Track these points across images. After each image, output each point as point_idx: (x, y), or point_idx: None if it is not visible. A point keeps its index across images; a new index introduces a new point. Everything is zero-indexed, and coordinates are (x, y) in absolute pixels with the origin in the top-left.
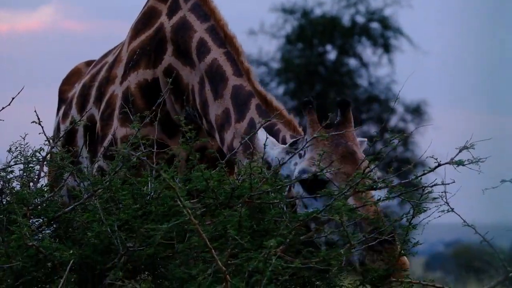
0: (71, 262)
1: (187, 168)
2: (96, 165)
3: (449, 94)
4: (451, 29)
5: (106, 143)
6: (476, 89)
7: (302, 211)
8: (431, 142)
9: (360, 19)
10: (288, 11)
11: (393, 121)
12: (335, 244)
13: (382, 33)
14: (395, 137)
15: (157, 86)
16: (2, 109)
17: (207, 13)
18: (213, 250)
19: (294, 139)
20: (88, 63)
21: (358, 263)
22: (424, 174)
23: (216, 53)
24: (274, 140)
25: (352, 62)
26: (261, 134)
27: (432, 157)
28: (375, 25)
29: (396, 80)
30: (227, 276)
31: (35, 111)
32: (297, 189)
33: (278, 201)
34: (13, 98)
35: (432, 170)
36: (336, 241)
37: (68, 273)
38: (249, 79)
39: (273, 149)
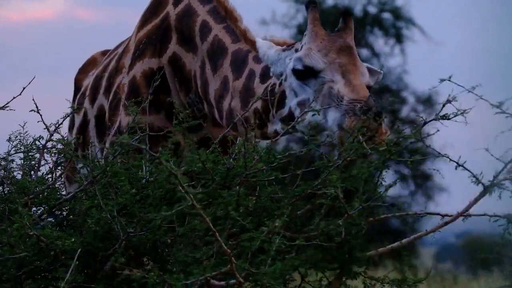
0: (79, 251)
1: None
2: (102, 153)
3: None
4: (464, 18)
5: (113, 132)
6: (491, 79)
7: (293, 99)
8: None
9: (372, 9)
10: (300, 1)
11: (405, 111)
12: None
13: (394, 23)
14: (411, 136)
15: (163, 75)
16: (13, 99)
17: None
18: (217, 234)
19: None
20: (104, 53)
21: (337, 128)
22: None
23: (216, 30)
24: (272, 43)
25: (364, 52)
26: (261, 41)
27: (418, 116)
28: (387, 15)
29: (408, 70)
30: (232, 258)
31: (33, 99)
32: (290, 81)
33: (273, 178)
34: (24, 88)
35: (421, 127)
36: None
37: (70, 260)
38: (246, 40)
39: (270, 49)
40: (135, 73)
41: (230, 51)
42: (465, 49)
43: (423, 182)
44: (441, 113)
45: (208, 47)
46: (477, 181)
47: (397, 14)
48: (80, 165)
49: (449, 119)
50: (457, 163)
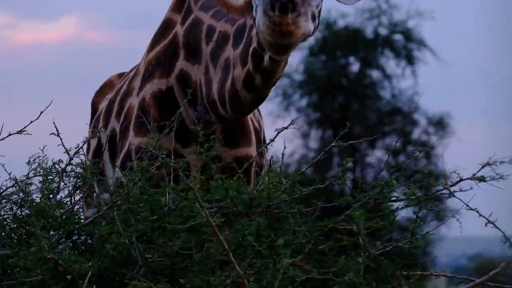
0: (89, 273)
1: (205, 178)
2: (114, 177)
3: (474, 106)
4: (475, 40)
5: (122, 154)
6: (501, 102)
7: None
8: (442, 154)
9: (383, 31)
10: None
11: (416, 133)
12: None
13: (405, 45)
14: (417, 149)
15: (172, 95)
16: (30, 123)
17: (214, 4)
18: (230, 253)
19: None
20: (120, 75)
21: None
22: (446, 187)
23: (219, 27)
24: None
25: (375, 74)
26: None
27: (455, 172)
28: (398, 37)
29: (420, 92)
30: (245, 281)
31: (53, 123)
32: None
33: (296, 210)
34: (41, 112)
35: (454, 184)
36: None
37: (88, 284)
38: (244, 14)
39: None
40: (144, 94)
41: (231, 32)
42: (478, 70)
43: (435, 205)
44: (479, 174)
45: (212, 46)
46: (509, 243)
47: (408, 35)
48: (100, 189)
49: (485, 181)
50: (487, 219)
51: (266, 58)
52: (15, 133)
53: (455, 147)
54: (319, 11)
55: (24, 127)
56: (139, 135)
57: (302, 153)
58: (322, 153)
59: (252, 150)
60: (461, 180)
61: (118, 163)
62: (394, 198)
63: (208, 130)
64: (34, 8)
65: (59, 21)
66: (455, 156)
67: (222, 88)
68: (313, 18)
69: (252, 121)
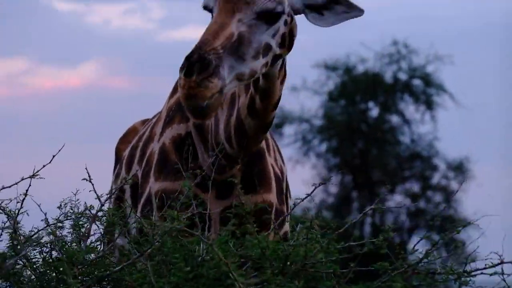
0: None
1: (240, 232)
2: (134, 223)
3: (494, 150)
4: (495, 85)
5: (143, 199)
6: None
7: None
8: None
9: (403, 76)
10: (331, 67)
11: (436, 178)
12: None
13: (424, 90)
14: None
15: (191, 140)
16: (43, 167)
17: None
18: None
19: None
20: (144, 122)
21: None
22: (485, 268)
23: None
24: None
25: (395, 119)
26: None
27: (496, 253)
28: (417, 81)
29: (439, 137)
30: None
31: (86, 168)
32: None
33: (332, 270)
34: (54, 156)
35: (494, 266)
36: None
37: None
38: None
39: None
40: (164, 139)
41: None
42: (497, 114)
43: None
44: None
45: None
46: None
47: (428, 80)
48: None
49: None
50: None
51: (260, 77)
52: (28, 178)
53: (475, 191)
54: (283, 37)
55: (37, 171)
56: (159, 180)
57: (321, 197)
58: (361, 215)
59: (272, 197)
60: (502, 262)
61: (138, 208)
62: (433, 271)
63: (223, 175)
64: (54, 53)
65: (79, 67)
66: (476, 200)
67: (228, 124)
68: (256, 57)
69: (273, 167)
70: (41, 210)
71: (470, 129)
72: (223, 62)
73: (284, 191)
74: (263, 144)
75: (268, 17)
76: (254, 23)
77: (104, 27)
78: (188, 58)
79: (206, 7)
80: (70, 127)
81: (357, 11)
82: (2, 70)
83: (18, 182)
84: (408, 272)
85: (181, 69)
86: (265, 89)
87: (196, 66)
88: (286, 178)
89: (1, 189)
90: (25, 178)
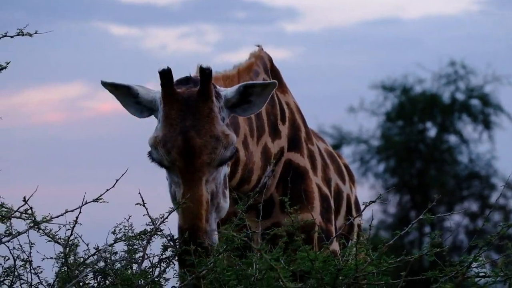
0: None
1: (290, 248)
2: None
3: None
4: None
5: None
6: None
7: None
8: None
9: (460, 96)
10: (388, 88)
11: (494, 197)
12: None
13: (482, 109)
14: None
15: None
16: (106, 191)
17: None
18: None
19: None
20: None
21: None
22: None
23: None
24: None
25: (453, 139)
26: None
27: None
28: (475, 101)
29: (497, 156)
30: None
31: (139, 193)
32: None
33: (383, 282)
34: (117, 180)
35: None
36: None
37: None
38: None
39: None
40: None
41: None
42: None
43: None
44: None
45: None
46: None
47: (485, 100)
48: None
49: None
50: None
51: None
52: (91, 202)
53: None
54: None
55: (101, 195)
56: None
57: (380, 218)
58: (410, 226)
59: (314, 216)
60: None
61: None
62: (483, 274)
63: (261, 197)
64: (111, 77)
65: None
66: None
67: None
68: (224, 194)
69: (319, 186)
70: (83, 241)
71: None
72: (211, 228)
73: (340, 209)
74: (307, 163)
75: (227, 160)
76: (216, 173)
77: (161, 50)
78: (188, 248)
79: (157, 161)
80: (128, 150)
81: (273, 84)
82: (59, 95)
83: (81, 206)
84: (458, 277)
85: (179, 257)
86: None
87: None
88: (356, 198)
89: (65, 213)
90: (88, 202)
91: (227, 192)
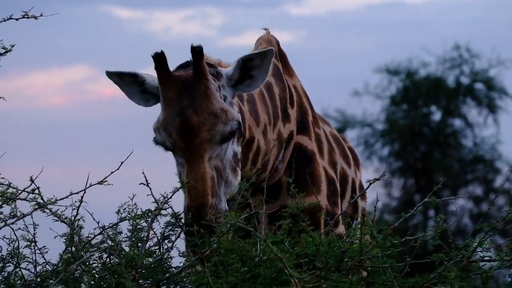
0: None
1: (295, 230)
2: None
3: None
4: None
5: None
6: None
7: None
8: None
9: (465, 80)
10: (393, 72)
11: (499, 181)
12: None
13: (487, 93)
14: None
15: None
16: (111, 173)
17: None
18: None
19: None
20: None
21: None
22: None
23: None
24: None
25: (457, 122)
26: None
27: None
28: (479, 86)
29: (502, 140)
30: None
31: (143, 173)
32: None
33: (388, 265)
34: (122, 163)
35: None
36: None
37: None
38: None
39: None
40: None
41: None
42: None
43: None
44: None
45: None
46: None
47: (490, 84)
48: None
49: None
50: None
51: None
52: (96, 184)
53: None
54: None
55: (105, 178)
56: None
57: (384, 201)
58: (415, 209)
59: (321, 199)
60: None
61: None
62: (488, 259)
63: (270, 179)
64: (114, 60)
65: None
66: None
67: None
68: (235, 171)
69: (325, 169)
70: (94, 219)
71: None
72: (220, 200)
73: (345, 193)
74: (315, 146)
75: (228, 136)
76: (220, 150)
77: (165, 34)
78: (191, 227)
79: (161, 144)
80: (132, 133)
81: (270, 52)
82: (63, 78)
83: (86, 188)
84: (463, 261)
85: (187, 237)
86: None
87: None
88: (360, 182)
89: (70, 195)
90: (93, 184)
91: (239, 170)
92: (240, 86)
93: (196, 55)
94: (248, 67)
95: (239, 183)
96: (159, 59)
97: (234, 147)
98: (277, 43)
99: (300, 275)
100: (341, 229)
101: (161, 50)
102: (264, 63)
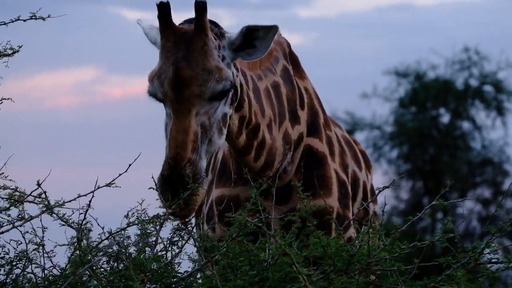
0: None
1: (303, 233)
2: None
3: None
4: None
5: (206, 207)
6: None
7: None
8: None
9: (474, 83)
10: (401, 74)
11: (507, 184)
12: None
13: (495, 96)
14: None
15: None
16: (119, 176)
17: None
18: None
19: None
20: None
21: None
22: None
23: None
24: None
25: (466, 125)
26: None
27: None
28: (488, 88)
29: (510, 143)
30: None
31: (152, 177)
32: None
33: (395, 268)
34: (130, 165)
35: None
36: None
37: None
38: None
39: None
40: (225, 147)
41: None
42: None
43: None
44: None
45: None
46: None
47: (499, 87)
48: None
49: None
50: None
51: None
52: (104, 186)
53: None
54: (232, 98)
55: (113, 180)
56: (218, 187)
57: (392, 204)
58: (423, 212)
59: (332, 201)
60: None
61: (204, 215)
62: (495, 260)
63: (280, 182)
64: (123, 61)
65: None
66: None
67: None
68: (221, 131)
69: (337, 172)
70: (98, 224)
71: None
72: (200, 158)
73: (357, 196)
74: (326, 149)
75: (220, 95)
76: (209, 107)
77: None
78: (166, 179)
79: (153, 94)
80: (140, 135)
81: (275, 27)
82: (71, 79)
83: (94, 191)
84: (470, 263)
85: (161, 191)
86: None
87: (180, 186)
88: (372, 185)
89: (77, 197)
90: (101, 187)
91: (225, 131)
92: (241, 53)
93: (199, 10)
94: (252, 37)
95: (250, 191)
96: (164, 8)
97: (225, 108)
98: (288, 44)
99: (308, 271)
100: (351, 232)
101: (167, 1)
102: (267, 36)
